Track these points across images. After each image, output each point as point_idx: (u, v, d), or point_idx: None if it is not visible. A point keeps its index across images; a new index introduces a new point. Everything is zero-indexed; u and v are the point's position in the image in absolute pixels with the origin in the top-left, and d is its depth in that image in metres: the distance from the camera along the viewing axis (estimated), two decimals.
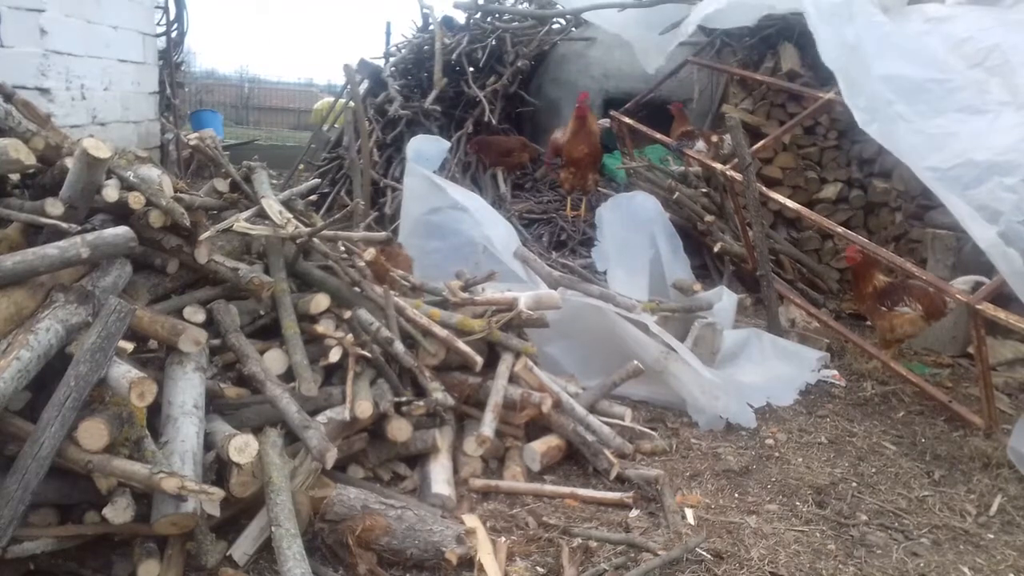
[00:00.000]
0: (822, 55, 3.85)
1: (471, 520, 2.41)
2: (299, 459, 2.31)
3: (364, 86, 7.19)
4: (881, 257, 3.84)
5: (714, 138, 5.40)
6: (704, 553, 2.38)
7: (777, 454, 3.21)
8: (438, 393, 2.73)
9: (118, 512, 1.92)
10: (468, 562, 2.21)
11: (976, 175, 3.30)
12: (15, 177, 2.59)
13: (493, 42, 7.31)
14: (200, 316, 2.58)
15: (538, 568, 2.28)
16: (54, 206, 2.33)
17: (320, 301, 2.81)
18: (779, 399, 3.73)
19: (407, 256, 3.66)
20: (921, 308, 3.86)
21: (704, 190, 5.62)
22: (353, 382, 2.57)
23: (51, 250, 2.10)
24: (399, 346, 2.77)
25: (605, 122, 5.89)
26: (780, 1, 4.52)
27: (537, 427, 3.01)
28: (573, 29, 7.71)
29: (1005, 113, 3.46)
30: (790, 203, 4.40)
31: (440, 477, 2.61)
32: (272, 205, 2.98)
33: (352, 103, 6.14)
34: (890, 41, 3.86)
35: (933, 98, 3.63)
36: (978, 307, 3.28)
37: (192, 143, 3.18)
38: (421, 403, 2.67)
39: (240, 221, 2.86)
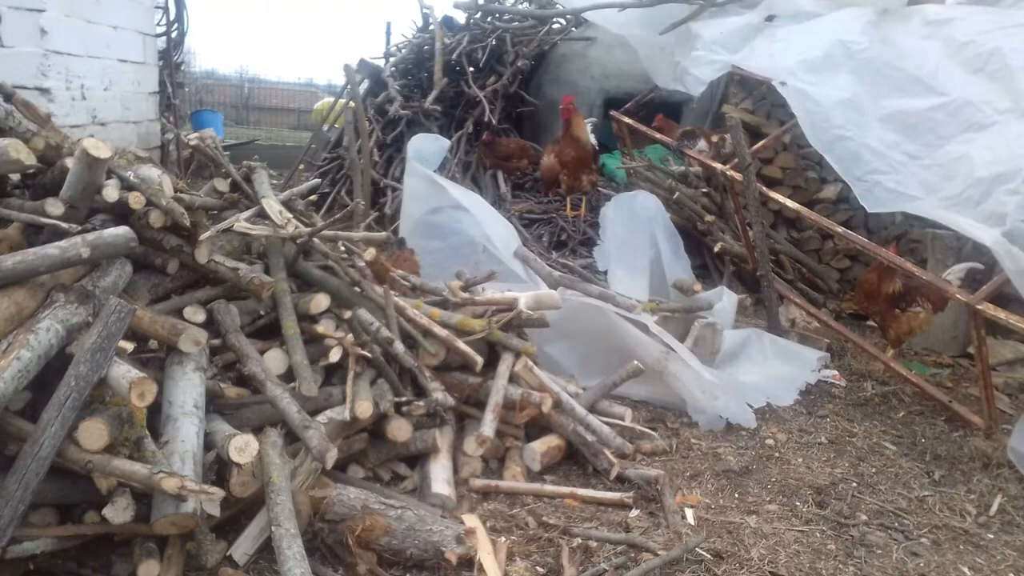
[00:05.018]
0: (811, 142, 3.92)
1: (471, 520, 2.41)
2: (299, 459, 2.31)
3: (364, 86, 7.19)
4: (881, 257, 3.85)
5: (714, 138, 5.40)
6: (704, 553, 2.38)
7: (777, 454, 3.21)
8: (438, 393, 2.73)
9: (118, 512, 1.92)
10: (468, 562, 2.21)
11: (984, 190, 3.31)
12: (15, 177, 2.59)
13: (493, 42, 7.32)
14: (200, 316, 2.58)
15: (538, 568, 2.28)
16: (54, 206, 2.33)
17: (320, 301, 2.81)
18: (779, 399, 3.74)
19: (415, 260, 3.66)
20: (930, 304, 3.92)
21: (704, 190, 5.62)
22: (353, 382, 2.57)
23: (51, 250, 2.10)
24: (399, 346, 2.77)
25: (592, 120, 5.92)
26: (774, 74, 4.45)
27: (537, 427, 3.01)
28: (573, 29, 7.71)
29: (1009, 122, 3.45)
30: (790, 203, 4.40)
31: (440, 477, 2.61)
32: (272, 205, 2.98)
33: (352, 103, 6.14)
34: (884, 76, 3.88)
35: (938, 125, 3.63)
36: (978, 307, 3.28)
37: (192, 143, 3.18)
38: (421, 403, 2.67)
39: (240, 221, 2.86)
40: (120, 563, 2.01)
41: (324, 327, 2.74)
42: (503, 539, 2.39)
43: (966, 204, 3.33)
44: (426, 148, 4.44)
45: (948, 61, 3.78)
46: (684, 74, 4.80)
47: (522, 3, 8.13)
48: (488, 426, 2.75)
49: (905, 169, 3.59)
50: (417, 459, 2.75)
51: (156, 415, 2.15)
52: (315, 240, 2.97)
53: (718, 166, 4.76)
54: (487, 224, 4.06)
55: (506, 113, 7.33)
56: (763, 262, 4.45)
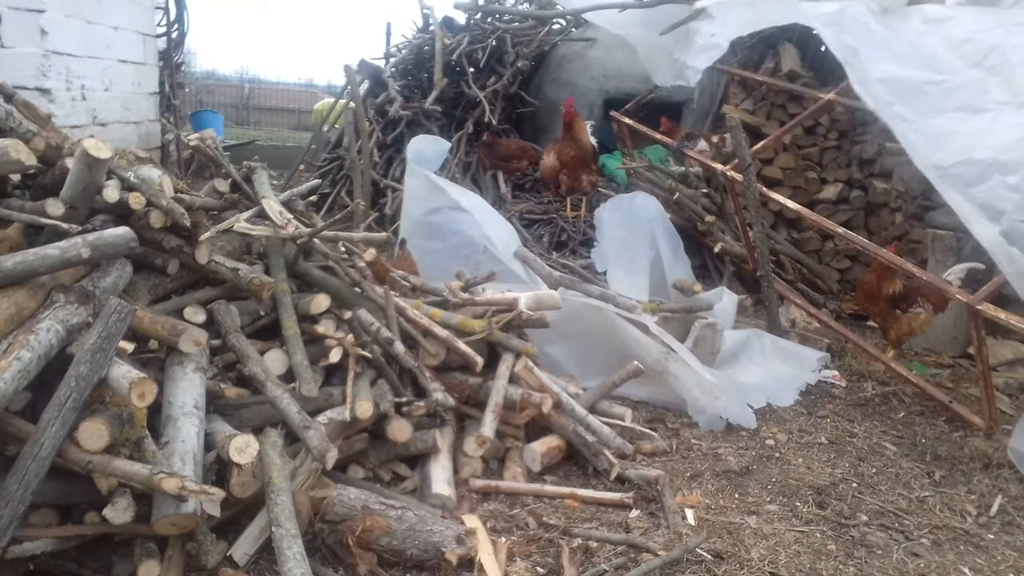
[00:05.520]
0: (831, 48, 3.90)
1: (471, 520, 2.41)
2: (299, 459, 2.31)
3: (364, 87, 7.19)
4: (881, 258, 3.85)
5: (715, 138, 5.40)
6: (704, 553, 2.38)
7: (777, 454, 3.21)
8: (438, 393, 2.73)
9: (118, 512, 1.92)
10: (468, 562, 2.21)
11: (978, 173, 3.30)
12: (16, 177, 2.59)
13: (493, 42, 7.33)
14: (200, 316, 2.58)
15: (538, 568, 2.28)
16: (55, 206, 2.33)
17: (320, 301, 2.81)
18: (779, 399, 3.74)
19: (412, 261, 3.67)
20: (931, 305, 3.93)
21: (704, 190, 5.63)
22: (353, 382, 2.56)
23: (51, 250, 2.10)
24: (399, 346, 2.77)
25: (591, 123, 5.94)
26: (780, 16, 4.52)
27: (537, 427, 3.01)
28: (573, 30, 7.72)
29: (1005, 112, 3.46)
30: (790, 203, 4.40)
31: (440, 477, 2.60)
32: (272, 205, 2.98)
33: (352, 104, 6.14)
34: (886, 47, 3.89)
35: (932, 99, 3.63)
36: (978, 308, 3.28)
37: (192, 144, 3.17)
38: (421, 403, 2.66)
39: (240, 222, 2.86)
40: (120, 563, 2.01)
41: (324, 327, 2.74)
42: (503, 539, 2.39)
43: (955, 180, 3.33)
44: (426, 149, 4.44)
45: (947, 56, 3.79)
46: (683, 68, 4.81)
47: (522, 3, 8.13)
48: (488, 426, 2.75)
49: (895, 127, 3.61)
50: (417, 459, 2.75)
51: (156, 415, 2.15)
52: (315, 240, 2.97)
53: (718, 167, 4.76)
54: (487, 225, 4.06)
55: (506, 114, 7.34)
56: (763, 263, 4.45)
